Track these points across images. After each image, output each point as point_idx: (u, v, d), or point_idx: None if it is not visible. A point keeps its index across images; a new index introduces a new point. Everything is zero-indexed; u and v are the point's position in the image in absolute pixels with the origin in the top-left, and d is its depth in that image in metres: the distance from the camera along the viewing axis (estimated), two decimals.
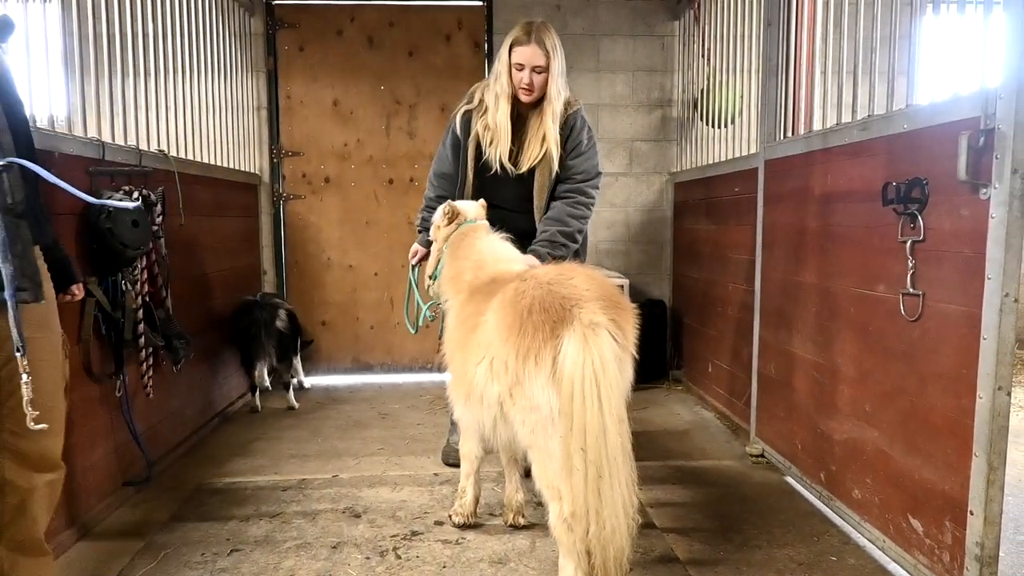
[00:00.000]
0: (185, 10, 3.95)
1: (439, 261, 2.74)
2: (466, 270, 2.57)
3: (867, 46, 2.71)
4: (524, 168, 2.96)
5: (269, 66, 5.05)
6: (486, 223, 2.74)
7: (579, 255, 3.05)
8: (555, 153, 2.92)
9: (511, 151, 2.97)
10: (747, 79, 4.05)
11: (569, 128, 2.95)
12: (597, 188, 3.04)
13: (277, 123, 5.11)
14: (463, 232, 2.69)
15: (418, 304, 3.05)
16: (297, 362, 4.73)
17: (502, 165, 2.96)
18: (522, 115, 2.99)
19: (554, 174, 2.98)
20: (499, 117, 2.93)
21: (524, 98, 2.92)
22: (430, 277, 2.83)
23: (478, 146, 3.02)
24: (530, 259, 2.68)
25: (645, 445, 3.66)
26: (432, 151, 5.09)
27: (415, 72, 5.13)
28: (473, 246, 2.62)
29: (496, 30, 5.02)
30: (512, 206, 3.03)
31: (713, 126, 4.46)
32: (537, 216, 3.02)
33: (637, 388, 4.88)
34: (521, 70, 2.87)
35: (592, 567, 1.91)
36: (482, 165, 3.02)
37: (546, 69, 2.86)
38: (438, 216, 2.78)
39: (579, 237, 2.99)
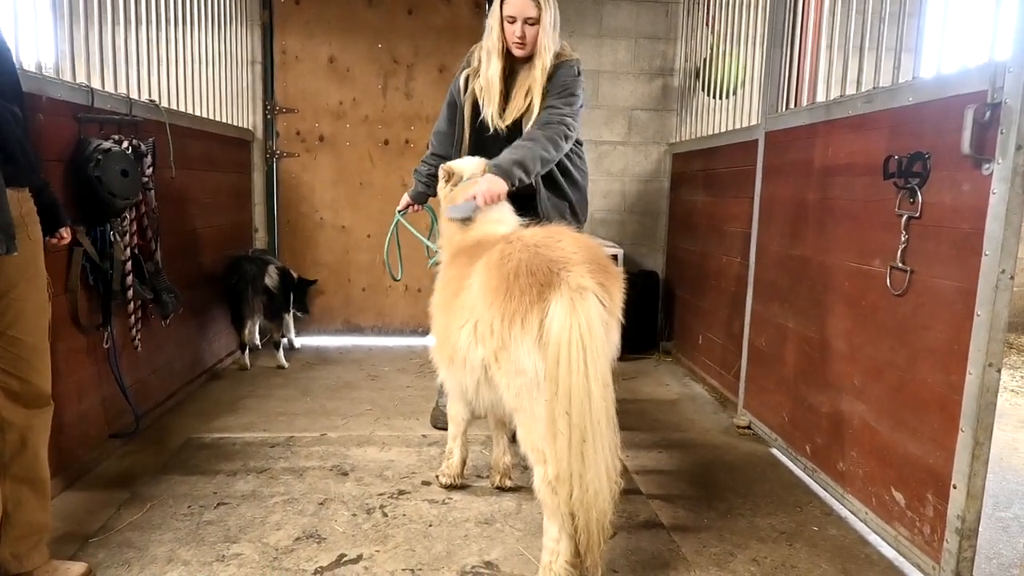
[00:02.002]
0: None
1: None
2: (455, 232, 2.54)
3: (875, 20, 2.66)
4: (509, 121, 2.88)
5: (264, 19, 4.94)
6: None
7: (579, 221, 3.02)
8: (536, 102, 2.83)
9: (501, 108, 2.90)
10: (751, 49, 3.99)
11: (549, 77, 2.85)
12: (569, 116, 2.78)
13: (271, 78, 5.01)
14: (454, 194, 2.65)
15: (427, 248, 3.11)
16: (289, 321, 4.71)
17: (490, 122, 2.90)
18: (515, 71, 2.92)
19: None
20: (490, 73, 2.87)
21: (517, 52, 2.85)
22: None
23: (476, 106, 2.97)
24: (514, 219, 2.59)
25: (634, 414, 3.69)
26: (429, 112, 5.05)
27: (414, 31, 5.03)
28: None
29: None
30: None
31: (714, 97, 4.41)
32: None
33: (627, 358, 4.92)
34: (513, 23, 2.80)
35: (576, 529, 1.93)
36: (480, 125, 2.97)
37: (538, 21, 2.79)
38: (440, 178, 2.76)
39: (550, 147, 2.72)
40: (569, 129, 2.79)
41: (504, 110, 2.92)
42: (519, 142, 2.75)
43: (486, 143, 2.94)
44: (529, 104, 2.85)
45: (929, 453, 2.15)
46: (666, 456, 3.17)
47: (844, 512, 2.62)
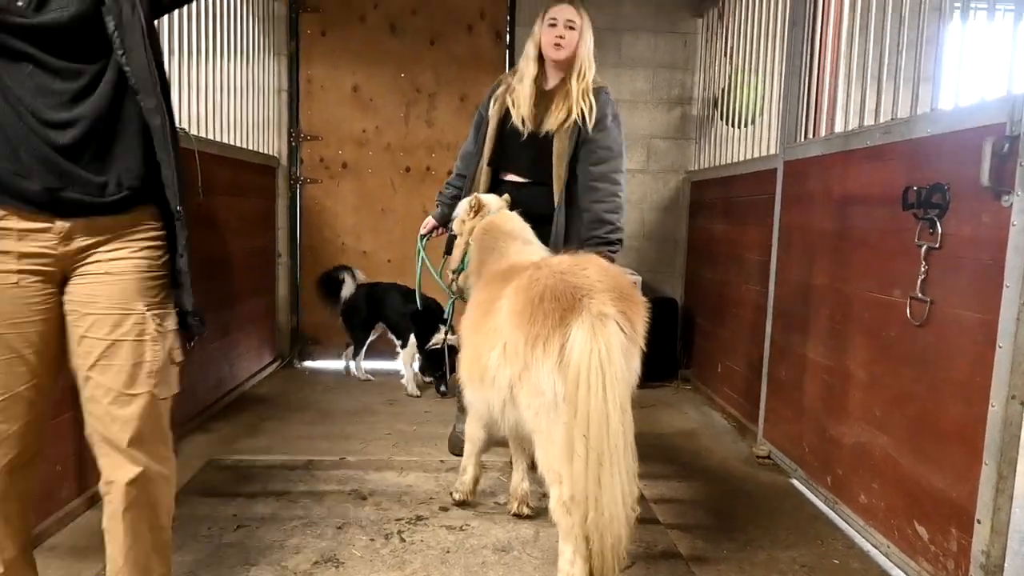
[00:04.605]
0: None
1: (464, 254, 2.75)
2: (488, 261, 2.60)
3: (893, 50, 2.68)
4: (552, 128, 2.92)
5: (291, 49, 5.07)
6: (509, 213, 2.75)
7: None
8: (584, 116, 2.89)
9: (537, 113, 2.96)
10: (769, 79, 4.02)
11: (592, 101, 2.93)
12: (623, 171, 2.97)
13: (297, 107, 5.13)
14: (486, 225, 2.69)
15: (441, 284, 3.11)
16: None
17: (522, 126, 2.96)
18: (548, 89, 2.99)
19: (574, 139, 2.93)
20: (524, 79, 2.96)
21: (554, 54, 2.91)
22: (453, 272, 2.84)
23: (504, 116, 3.02)
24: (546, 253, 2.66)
25: (652, 443, 3.67)
26: (450, 140, 5.13)
27: (436, 61, 5.14)
28: (496, 238, 2.64)
29: (518, 22, 5.01)
30: (531, 175, 3.02)
31: (733, 126, 4.44)
32: (556, 186, 2.96)
33: (646, 386, 4.89)
34: (554, 25, 2.90)
35: (590, 552, 1.94)
36: (510, 131, 3.01)
37: (578, 29, 2.89)
38: (462, 209, 2.79)
39: (622, 224, 2.96)
40: (623, 191, 2.98)
41: (538, 117, 2.96)
42: (609, 205, 2.90)
43: (516, 149, 3.00)
44: (568, 114, 2.91)
45: (952, 486, 2.13)
46: (685, 485, 3.14)
47: (866, 545, 2.58)
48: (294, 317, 5.31)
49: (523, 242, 2.63)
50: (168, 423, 1.76)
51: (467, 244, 2.74)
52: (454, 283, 2.87)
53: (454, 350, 4.37)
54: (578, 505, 1.91)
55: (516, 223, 2.70)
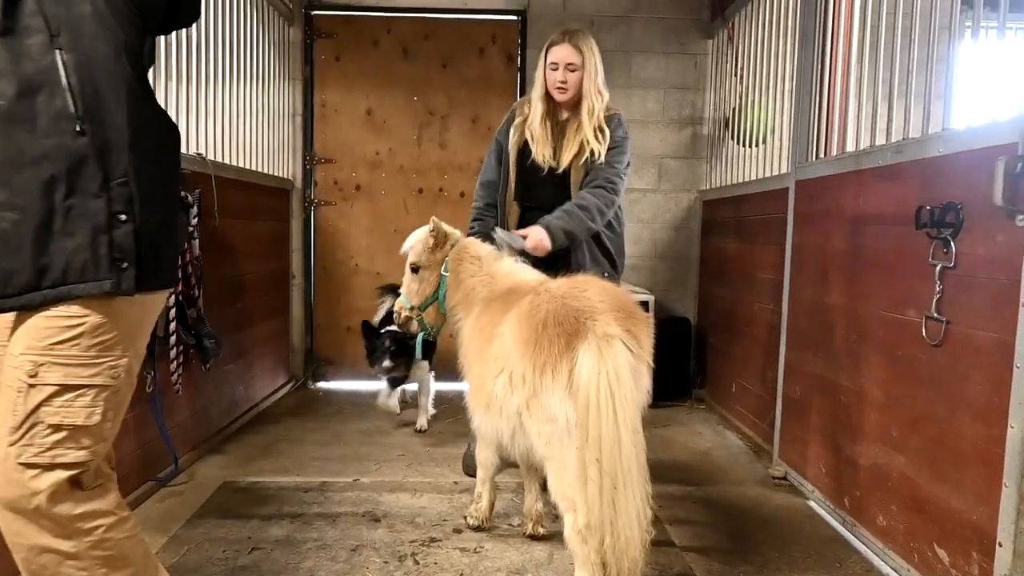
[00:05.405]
0: (226, 19, 4.06)
1: (437, 287, 2.71)
2: (477, 287, 2.59)
3: (903, 69, 2.69)
4: (565, 164, 2.99)
5: (306, 74, 5.15)
6: (474, 239, 2.79)
7: (616, 270, 3.09)
8: (593, 149, 2.93)
9: (554, 150, 3.01)
10: (780, 99, 4.04)
11: (606, 131, 2.98)
12: (620, 178, 2.95)
13: (311, 130, 5.21)
14: (459, 251, 2.69)
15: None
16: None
17: (543, 160, 3.00)
18: (565, 118, 3.04)
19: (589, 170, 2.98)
20: (535, 117, 3.01)
21: (558, 96, 2.97)
22: (417, 307, 2.76)
23: (523, 151, 3.06)
24: (532, 271, 2.63)
25: (666, 463, 3.64)
26: (462, 162, 5.18)
27: (448, 84, 5.20)
28: (474, 263, 2.65)
29: (529, 44, 5.07)
30: (551, 207, 3.05)
31: (744, 145, 4.45)
32: None
33: (660, 406, 4.87)
34: (555, 69, 2.94)
35: None
36: (531, 167, 3.05)
37: (580, 67, 2.92)
38: (418, 240, 2.74)
39: (598, 217, 2.86)
40: (617, 195, 2.96)
41: (555, 153, 3.01)
42: (572, 207, 2.85)
43: (536, 185, 3.04)
44: (580, 148, 2.96)
45: (972, 509, 2.10)
46: (700, 507, 3.12)
47: (885, 568, 2.55)
48: (308, 338, 5.35)
49: (504, 260, 2.64)
50: (64, 494, 1.46)
51: (439, 275, 2.70)
52: (413, 320, 2.79)
53: (396, 335, 3.86)
54: (593, 532, 1.90)
55: (487, 246, 2.74)
